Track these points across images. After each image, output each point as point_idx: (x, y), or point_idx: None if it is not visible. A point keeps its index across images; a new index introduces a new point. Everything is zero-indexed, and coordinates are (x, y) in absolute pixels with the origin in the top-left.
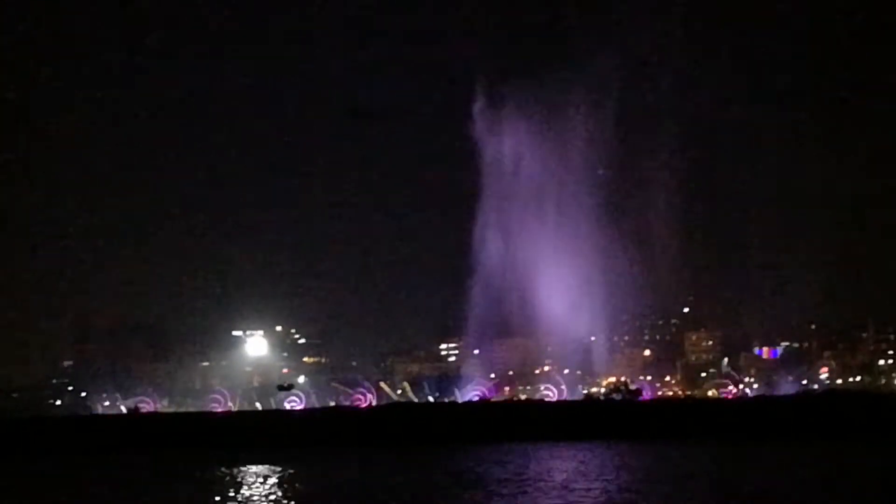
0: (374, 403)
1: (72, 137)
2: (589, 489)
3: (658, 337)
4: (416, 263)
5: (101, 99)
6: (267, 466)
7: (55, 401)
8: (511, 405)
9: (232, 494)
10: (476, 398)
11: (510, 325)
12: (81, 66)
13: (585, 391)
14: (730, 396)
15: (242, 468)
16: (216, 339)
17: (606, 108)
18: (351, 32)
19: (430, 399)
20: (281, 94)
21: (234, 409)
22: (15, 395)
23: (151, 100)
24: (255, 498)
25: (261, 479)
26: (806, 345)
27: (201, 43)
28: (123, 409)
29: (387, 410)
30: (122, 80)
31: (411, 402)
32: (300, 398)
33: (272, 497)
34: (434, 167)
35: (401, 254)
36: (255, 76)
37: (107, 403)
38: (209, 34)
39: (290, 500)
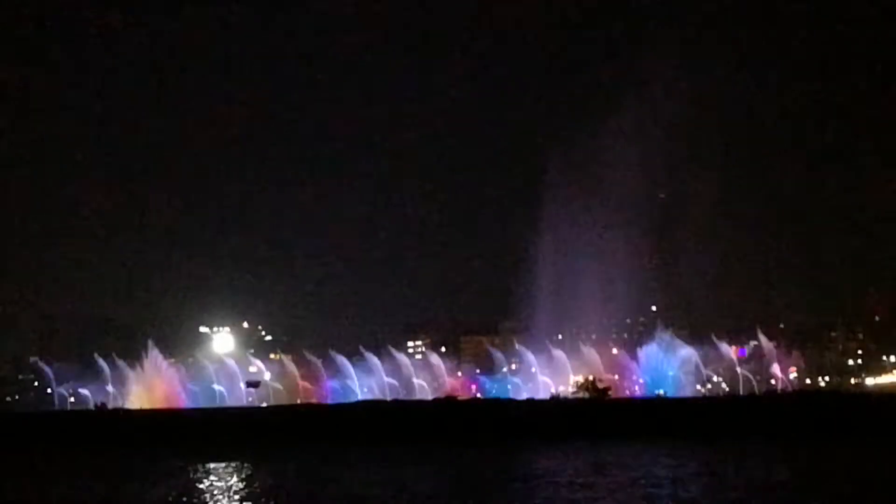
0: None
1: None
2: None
3: (626, 335)
4: (384, 262)
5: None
6: (245, 464)
7: (16, 396)
8: (481, 403)
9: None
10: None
11: (477, 322)
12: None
13: (552, 390)
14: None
15: (215, 465)
16: (183, 336)
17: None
18: None
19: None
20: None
21: None
22: None
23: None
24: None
25: (239, 477)
26: (774, 344)
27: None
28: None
29: (357, 408)
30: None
31: (380, 400)
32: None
33: (262, 496)
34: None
35: (367, 252)
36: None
37: (72, 400)
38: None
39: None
